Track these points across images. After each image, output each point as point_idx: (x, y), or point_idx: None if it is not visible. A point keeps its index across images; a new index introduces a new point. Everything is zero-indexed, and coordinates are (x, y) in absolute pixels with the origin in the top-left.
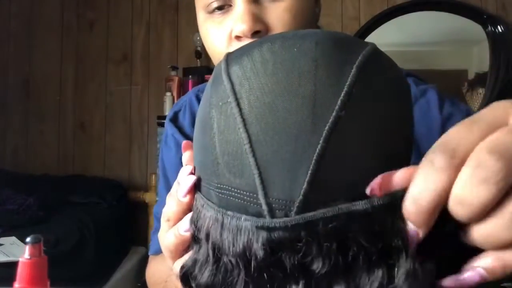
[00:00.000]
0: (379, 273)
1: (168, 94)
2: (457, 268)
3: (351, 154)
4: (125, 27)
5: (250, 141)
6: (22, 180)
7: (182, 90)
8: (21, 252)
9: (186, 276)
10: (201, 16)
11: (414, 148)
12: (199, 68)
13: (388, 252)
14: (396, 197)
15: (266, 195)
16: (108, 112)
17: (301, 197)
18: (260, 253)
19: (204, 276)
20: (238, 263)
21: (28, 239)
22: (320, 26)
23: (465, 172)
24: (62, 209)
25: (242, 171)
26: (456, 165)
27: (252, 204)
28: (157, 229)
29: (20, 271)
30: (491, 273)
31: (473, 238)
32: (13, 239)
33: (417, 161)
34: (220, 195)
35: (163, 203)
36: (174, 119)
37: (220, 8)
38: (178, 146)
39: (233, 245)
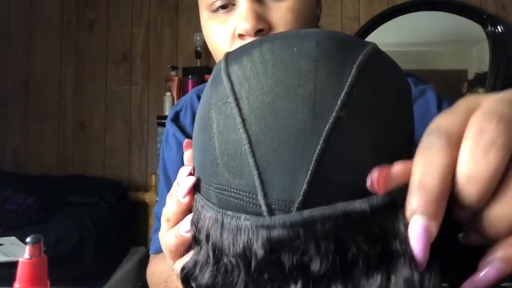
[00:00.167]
0: (378, 278)
1: (168, 94)
2: (465, 273)
3: (351, 155)
4: (125, 27)
5: (249, 142)
6: (22, 180)
7: (182, 90)
8: (21, 252)
9: (187, 277)
10: (205, 15)
11: (414, 148)
12: (199, 68)
13: (387, 256)
14: (395, 197)
15: (265, 196)
16: (108, 112)
17: (300, 197)
18: (260, 253)
19: (205, 277)
20: (238, 264)
21: (28, 239)
22: (320, 26)
23: (467, 145)
24: (62, 209)
25: (241, 171)
26: (455, 143)
27: (251, 205)
28: (158, 228)
29: (20, 271)
30: (508, 263)
31: (485, 226)
32: (13, 239)
33: None
34: (219, 195)
35: (163, 202)
36: (175, 119)
37: (223, 7)
38: (179, 145)
39: (233, 245)
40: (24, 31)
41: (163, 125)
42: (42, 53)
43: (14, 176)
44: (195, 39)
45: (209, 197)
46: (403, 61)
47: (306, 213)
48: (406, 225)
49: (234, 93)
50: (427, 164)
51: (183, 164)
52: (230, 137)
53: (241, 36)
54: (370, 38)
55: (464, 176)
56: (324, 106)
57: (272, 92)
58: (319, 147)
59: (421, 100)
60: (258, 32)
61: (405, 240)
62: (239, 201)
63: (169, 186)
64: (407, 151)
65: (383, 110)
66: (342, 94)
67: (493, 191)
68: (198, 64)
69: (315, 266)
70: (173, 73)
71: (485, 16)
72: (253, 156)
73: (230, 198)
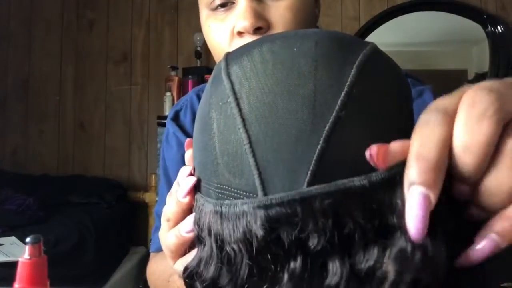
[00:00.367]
0: (374, 251)
1: (168, 94)
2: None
3: (351, 155)
4: (125, 27)
5: (250, 141)
6: (22, 180)
7: (182, 90)
8: (21, 252)
9: (190, 276)
10: (204, 13)
11: None
12: (199, 68)
13: (384, 231)
14: (394, 173)
15: (265, 195)
16: (108, 112)
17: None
18: (260, 233)
19: (210, 270)
20: (240, 248)
21: (28, 239)
22: (319, 26)
23: (461, 117)
24: (61, 209)
25: (242, 171)
26: (451, 117)
27: None
28: (158, 227)
29: (20, 271)
30: (503, 237)
31: (480, 198)
32: (13, 239)
33: None
34: (219, 195)
35: (164, 202)
36: (176, 118)
37: (223, 5)
38: (180, 144)
39: (234, 231)
40: (24, 31)
41: (163, 125)
42: (42, 53)
43: (14, 176)
44: (195, 39)
45: (209, 196)
46: (403, 61)
47: (304, 191)
48: (404, 200)
49: (235, 93)
50: (424, 137)
51: (183, 163)
52: (230, 137)
53: (240, 33)
54: (370, 38)
55: (460, 146)
56: (324, 106)
57: (272, 92)
58: (319, 147)
59: (419, 101)
60: (256, 30)
61: (402, 214)
62: None
63: (169, 185)
64: None
65: (383, 110)
66: (342, 94)
67: (489, 162)
68: (198, 64)
69: (313, 242)
70: (173, 73)
71: (485, 16)
72: (254, 156)
73: (230, 198)
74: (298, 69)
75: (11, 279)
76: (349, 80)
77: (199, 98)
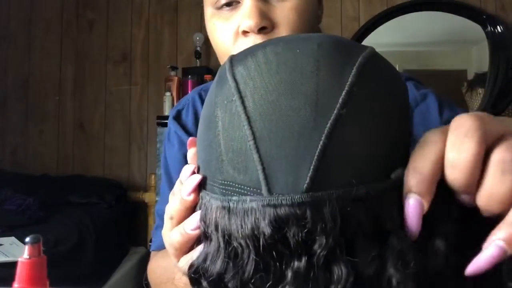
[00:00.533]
0: (374, 254)
1: (168, 94)
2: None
3: (352, 150)
4: (125, 27)
5: (254, 138)
6: (22, 180)
7: (182, 90)
8: (20, 252)
9: (197, 272)
10: (209, 12)
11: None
12: (199, 68)
13: (383, 235)
14: (393, 183)
15: (269, 190)
16: (108, 112)
17: (303, 191)
18: (268, 230)
19: (217, 265)
20: (247, 244)
21: (27, 239)
22: (321, 27)
23: (450, 137)
24: (61, 209)
25: (246, 167)
26: (445, 139)
27: None
28: (159, 226)
29: (20, 271)
30: (509, 244)
31: (480, 206)
32: (13, 239)
33: None
34: (224, 191)
35: (165, 200)
36: (177, 117)
37: (228, 4)
38: (181, 143)
39: (242, 227)
40: (24, 31)
41: (163, 125)
42: (42, 53)
43: (14, 176)
44: (194, 39)
45: (213, 193)
46: (403, 61)
47: (314, 195)
48: (401, 206)
49: (239, 92)
50: (421, 153)
51: (185, 162)
52: (235, 134)
53: (244, 33)
54: (369, 38)
55: (449, 163)
56: (326, 104)
57: (276, 91)
58: (321, 143)
59: (423, 105)
60: (261, 29)
61: (397, 220)
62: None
63: (170, 184)
64: (405, 146)
65: (381, 108)
66: (343, 93)
67: (480, 174)
68: (198, 64)
69: (320, 244)
70: (172, 73)
71: (484, 16)
72: (258, 151)
73: (235, 194)
74: (301, 69)
75: (10, 279)
76: (349, 80)
77: (201, 97)
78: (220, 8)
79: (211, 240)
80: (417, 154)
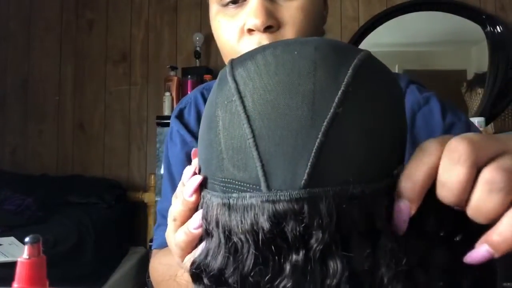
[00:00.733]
0: (367, 251)
1: (167, 94)
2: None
3: (348, 148)
4: (124, 27)
5: (253, 136)
6: (21, 180)
7: (181, 90)
8: (19, 252)
9: (198, 268)
10: (214, 9)
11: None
12: (198, 68)
13: (374, 233)
14: (386, 185)
15: (268, 187)
16: (107, 112)
17: (301, 187)
18: (266, 225)
19: (218, 261)
20: (247, 239)
21: (27, 239)
22: (325, 28)
23: (443, 158)
24: (61, 209)
25: (246, 164)
26: (441, 153)
27: None
28: (160, 224)
29: (19, 271)
30: (495, 249)
31: (470, 216)
32: (12, 239)
33: None
34: (224, 189)
35: (167, 199)
36: (180, 116)
37: (234, 1)
38: (184, 142)
39: (242, 223)
40: (24, 31)
41: (163, 125)
42: (42, 53)
43: (13, 176)
44: (194, 39)
45: (214, 191)
46: (403, 61)
47: (312, 191)
48: (391, 206)
49: (239, 92)
50: (416, 162)
51: (187, 161)
52: (235, 132)
53: (250, 31)
54: (369, 38)
55: (440, 183)
56: (322, 103)
57: (274, 91)
58: (318, 140)
59: (426, 109)
60: (267, 28)
61: (387, 220)
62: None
63: (172, 183)
64: (401, 144)
65: (377, 107)
66: (339, 93)
67: (470, 191)
68: (198, 64)
69: (316, 239)
70: (172, 73)
71: (484, 17)
72: (257, 149)
73: (235, 191)
74: (298, 70)
75: (10, 279)
76: (345, 80)
77: (203, 96)
78: (225, 5)
79: (212, 236)
80: (413, 162)
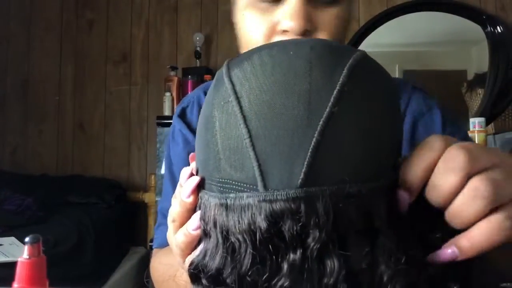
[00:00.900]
0: (366, 250)
1: (168, 94)
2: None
3: (344, 146)
4: (125, 27)
5: (250, 136)
6: (21, 180)
7: (182, 90)
8: (20, 252)
9: (196, 269)
10: (243, 1)
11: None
12: (199, 68)
13: (372, 232)
14: (383, 184)
15: (265, 186)
16: (107, 112)
17: (298, 187)
18: (264, 225)
19: (216, 261)
20: (245, 239)
21: (27, 239)
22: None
23: (439, 163)
24: (61, 209)
25: (242, 164)
26: (440, 154)
27: None
28: (161, 224)
29: (19, 271)
30: (461, 251)
31: (448, 219)
32: (12, 239)
33: None
34: (221, 189)
35: (167, 199)
36: (182, 115)
37: None
38: (186, 141)
39: (239, 223)
40: (24, 31)
41: (163, 125)
42: (42, 53)
43: (13, 176)
44: (194, 39)
45: (212, 191)
46: (403, 61)
47: (308, 190)
48: (390, 205)
49: (235, 93)
50: (419, 156)
51: (189, 160)
52: (232, 132)
53: (285, 32)
54: (369, 38)
55: (431, 184)
56: (318, 103)
57: (270, 91)
58: (314, 140)
59: (428, 117)
60: (303, 32)
61: (384, 218)
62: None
63: (173, 182)
64: (397, 142)
65: (372, 107)
66: (335, 92)
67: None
68: (198, 64)
69: (313, 238)
70: (172, 73)
71: (484, 17)
72: (254, 149)
73: (232, 191)
74: (294, 70)
75: (10, 279)
76: (340, 79)
77: (206, 95)
78: None
79: (210, 237)
80: (416, 155)
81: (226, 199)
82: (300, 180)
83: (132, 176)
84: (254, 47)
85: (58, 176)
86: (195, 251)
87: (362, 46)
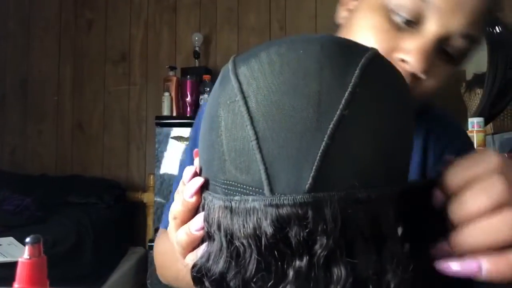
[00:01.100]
0: (373, 258)
1: (166, 94)
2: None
3: (355, 151)
4: (124, 27)
5: (257, 138)
6: (20, 180)
7: (180, 90)
8: (18, 253)
9: (199, 271)
10: (377, 5)
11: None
12: (198, 68)
13: (380, 239)
14: (393, 191)
15: (272, 190)
16: (106, 112)
17: (305, 192)
18: (269, 230)
19: (219, 265)
20: (249, 244)
21: (27, 239)
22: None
23: (480, 183)
24: (60, 209)
25: (248, 167)
26: (475, 175)
27: None
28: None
29: (20, 271)
30: (488, 274)
31: (452, 208)
32: (11, 239)
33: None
34: (226, 191)
35: (181, 177)
36: None
37: (408, 22)
38: None
39: (244, 227)
40: (23, 30)
41: (162, 125)
42: (41, 53)
43: (12, 176)
44: (193, 39)
45: (216, 193)
46: None
47: (316, 196)
48: (400, 213)
49: (242, 92)
50: (468, 165)
51: (193, 156)
52: (238, 134)
53: (403, 62)
54: None
55: (462, 199)
56: (328, 105)
57: (279, 91)
58: (323, 143)
59: (455, 146)
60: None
61: (394, 226)
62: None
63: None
64: (408, 147)
65: (384, 109)
66: (346, 94)
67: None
68: (197, 64)
69: (320, 245)
70: (171, 73)
71: None
72: (260, 151)
73: (237, 194)
74: (304, 69)
75: (8, 279)
76: (352, 80)
77: None
78: (395, 13)
79: (214, 239)
80: (465, 162)
81: (230, 202)
82: (308, 185)
83: (131, 176)
84: (363, 44)
85: (57, 176)
86: (198, 252)
87: None
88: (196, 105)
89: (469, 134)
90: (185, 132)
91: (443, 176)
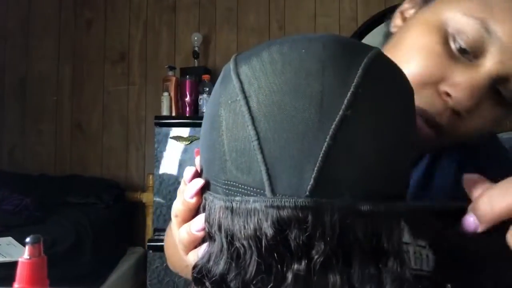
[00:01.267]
0: (370, 271)
1: (166, 94)
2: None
3: (357, 152)
4: (123, 27)
5: (258, 138)
6: (19, 180)
7: (180, 90)
8: (17, 252)
9: (200, 272)
10: (441, 21)
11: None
12: (197, 68)
13: (378, 254)
14: (398, 207)
15: (273, 191)
16: (106, 112)
17: (307, 193)
18: (270, 231)
19: (220, 266)
20: (250, 245)
21: (28, 239)
22: None
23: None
24: (59, 209)
25: (249, 167)
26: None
27: None
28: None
29: (20, 271)
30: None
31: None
32: (9, 239)
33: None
34: (227, 191)
35: None
36: None
37: (465, 50)
38: None
39: (244, 228)
40: (22, 30)
41: (161, 125)
42: (40, 53)
43: (11, 176)
44: (192, 39)
45: (216, 193)
46: None
47: (318, 200)
48: (400, 230)
49: (244, 92)
50: (505, 197)
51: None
52: (239, 134)
53: (447, 96)
54: (367, 38)
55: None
56: (330, 105)
57: (280, 91)
58: (325, 144)
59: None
60: (458, 111)
61: (397, 242)
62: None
63: None
64: (410, 149)
65: (387, 110)
66: (348, 94)
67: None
68: (196, 64)
69: (318, 250)
70: (170, 73)
71: None
72: (262, 152)
73: (238, 194)
74: (306, 69)
75: (7, 279)
76: (355, 80)
77: None
78: (452, 38)
79: (214, 240)
80: (503, 190)
81: (231, 202)
82: (309, 186)
83: (130, 176)
84: (407, 64)
85: (56, 176)
86: (199, 251)
87: None
88: (195, 105)
89: None
90: (184, 132)
91: (476, 202)
